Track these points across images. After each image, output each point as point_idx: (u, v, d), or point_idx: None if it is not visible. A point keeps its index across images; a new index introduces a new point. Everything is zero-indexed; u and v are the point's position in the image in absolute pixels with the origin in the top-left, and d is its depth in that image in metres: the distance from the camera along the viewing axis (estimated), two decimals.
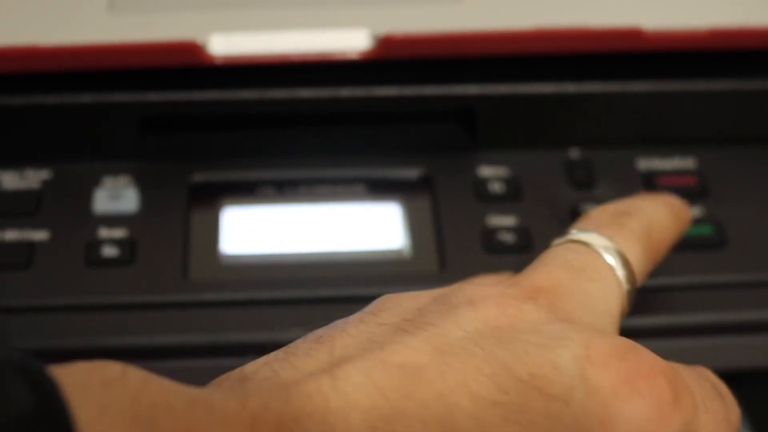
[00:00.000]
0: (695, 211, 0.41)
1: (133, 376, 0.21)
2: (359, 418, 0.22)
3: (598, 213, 0.33)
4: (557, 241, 0.31)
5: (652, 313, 0.38)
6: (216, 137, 0.42)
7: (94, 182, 0.40)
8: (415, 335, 0.25)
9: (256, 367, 0.25)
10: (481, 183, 0.41)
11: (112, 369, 0.21)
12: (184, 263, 0.38)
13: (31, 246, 0.38)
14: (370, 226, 0.40)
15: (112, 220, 0.39)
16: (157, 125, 0.41)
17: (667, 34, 0.40)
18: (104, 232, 0.39)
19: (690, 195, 0.41)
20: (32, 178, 0.40)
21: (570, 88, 0.41)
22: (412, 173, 0.42)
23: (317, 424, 0.22)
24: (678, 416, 0.25)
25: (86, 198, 0.40)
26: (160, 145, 0.42)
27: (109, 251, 0.38)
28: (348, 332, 0.26)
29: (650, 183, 0.41)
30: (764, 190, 0.41)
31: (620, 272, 0.29)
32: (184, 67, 0.39)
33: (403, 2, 0.42)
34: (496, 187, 0.41)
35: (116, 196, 0.40)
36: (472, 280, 0.33)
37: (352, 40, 0.40)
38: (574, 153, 0.42)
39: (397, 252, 0.39)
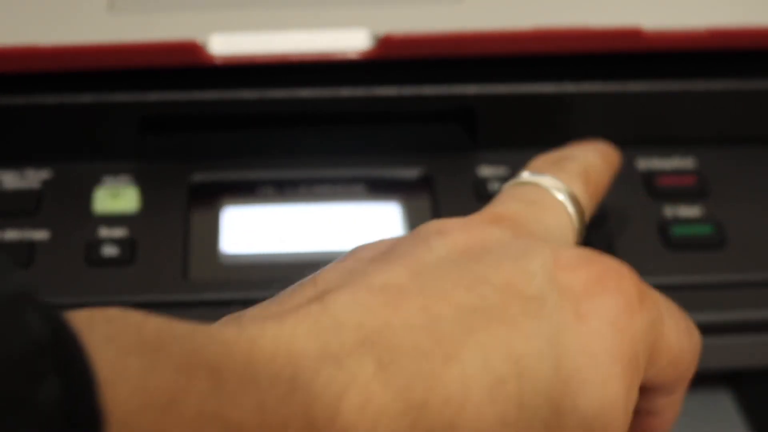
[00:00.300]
0: (695, 211, 0.41)
1: (133, 313, 0.22)
2: (351, 333, 0.24)
3: (538, 161, 0.34)
4: (508, 184, 0.33)
5: None
6: (216, 137, 0.42)
7: (94, 182, 0.41)
8: (392, 263, 0.26)
9: (248, 310, 0.26)
10: (481, 183, 0.41)
11: (113, 310, 0.22)
12: (184, 263, 0.38)
13: (31, 246, 0.38)
14: (370, 226, 0.40)
15: (112, 220, 0.39)
16: (157, 125, 0.41)
17: (666, 34, 0.40)
18: (104, 232, 0.39)
19: (689, 195, 0.41)
20: (32, 178, 0.40)
21: (570, 88, 0.41)
22: (412, 173, 0.42)
23: (312, 341, 0.23)
24: (645, 313, 0.27)
25: (86, 198, 0.40)
26: (160, 145, 0.42)
27: (110, 251, 0.38)
28: (329, 270, 0.27)
29: (650, 182, 0.41)
30: (764, 189, 0.41)
31: (570, 208, 0.31)
32: (184, 67, 0.39)
33: (403, 2, 0.42)
34: (496, 187, 0.41)
35: (116, 196, 0.40)
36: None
37: (352, 40, 0.40)
38: None
39: None
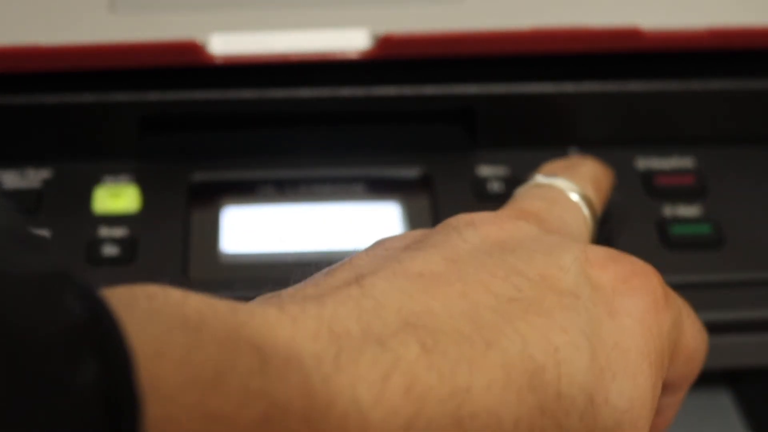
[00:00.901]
0: (694, 211, 0.41)
1: (173, 290, 0.22)
2: (392, 316, 0.23)
3: (550, 165, 0.35)
4: (524, 186, 0.34)
5: None
6: (216, 137, 0.42)
7: (95, 182, 0.41)
8: (426, 251, 0.26)
9: (283, 291, 0.26)
10: (481, 182, 0.41)
11: (152, 287, 0.21)
12: (184, 262, 0.38)
13: None
14: (369, 226, 0.40)
15: (113, 220, 0.39)
16: (157, 125, 0.42)
17: (665, 34, 0.40)
18: (105, 232, 0.39)
19: (688, 194, 0.41)
20: (33, 178, 0.40)
21: (569, 87, 0.41)
22: (411, 172, 0.42)
23: (354, 322, 0.23)
24: (669, 312, 0.27)
25: (87, 197, 0.40)
26: (160, 145, 0.42)
27: (110, 250, 0.38)
28: (361, 257, 0.27)
29: (649, 182, 0.41)
30: (762, 189, 0.42)
31: (584, 209, 0.32)
32: (184, 67, 0.40)
33: (403, 2, 0.42)
34: (495, 187, 0.41)
35: (116, 196, 0.40)
36: None
37: (352, 40, 0.40)
38: (573, 152, 0.42)
39: None
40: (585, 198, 0.32)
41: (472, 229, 0.28)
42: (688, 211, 0.41)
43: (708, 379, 0.45)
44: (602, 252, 0.28)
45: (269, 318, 0.22)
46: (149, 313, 0.20)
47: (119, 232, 0.39)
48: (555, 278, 0.26)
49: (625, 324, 0.26)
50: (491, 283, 0.25)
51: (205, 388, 0.19)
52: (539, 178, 0.33)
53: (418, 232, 0.29)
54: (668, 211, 0.40)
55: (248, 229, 0.40)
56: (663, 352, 0.27)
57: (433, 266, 0.26)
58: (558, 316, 0.25)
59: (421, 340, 0.23)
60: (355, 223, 0.40)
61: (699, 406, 0.45)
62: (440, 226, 0.29)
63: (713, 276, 0.39)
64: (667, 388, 0.30)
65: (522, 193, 0.33)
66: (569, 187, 0.33)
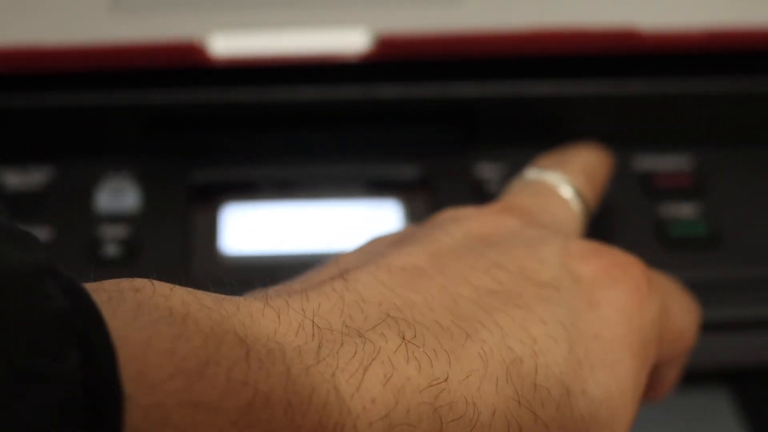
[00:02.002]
0: (691, 211, 0.41)
1: (159, 283, 0.22)
2: (374, 309, 0.24)
3: (543, 158, 0.36)
4: (516, 180, 0.34)
5: None
6: (216, 136, 0.43)
7: (96, 181, 0.41)
8: (410, 246, 0.27)
9: (271, 288, 0.26)
10: (479, 182, 0.41)
11: (139, 280, 0.22)
12: (185, 261, 0.39)
13: None
14: (369, 225, 0.40)
15: (114, 219, 0.40)
16: (158, 124, 0.42)
17: (663, 36, 0.40)
18: (106, 231, 0.39)
19: (686, 195, 0.41)
20: (35, 178, 0.41)
21: (567, 89, 0.42)
22: (411, 172, 0.42)
23: (336, 315, 0.24)
24: (653, 300, 0.27)
25: (88, 197, 0.40)
26: (161, 144, 0.42)
27: (111, 250, 0.38)
28: (349, 255, 0.28)
29: (646, 182, 0.42)
30: (759, 189, 0.42)
31: (575, 202, 0.33)
32: (184, 67, 0.40)
33: (403, 2, 0.42)
34: (494, 187, 0.41)
35: (118, 195, 0.40)
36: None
37: (351, 40, 0.40)
38: None
39: None
40: (576, 190, 0.33)
41: (456, 225, 0.28)
42: (686, 211, 0.41)
43: (705, 377, 0.45)
44: (584, 245, 0.28)
45: (254, 311, 0.23)
46: (136, 305, 0.20)
47: (120, 231, 0.39)
48: (534, 270, 0.26)
49: (605, 315, 0.26)
50: (471, 276, 0.26)
51: (191, 376, 0.20)
52: (531, 173, 0.34)
53: (405, 230, 0.30)
54: (666, 211, 0.41)
55: (248, 227, 0.40)
56: (647, 341, 0.27)
57: (415, 260, 0.26)
58: (537, 307, 0.25)
59: (401, 332, 0.23)
60: (355, 222, 0.41)
61: (696, 405, 0.45)
62: (426, 222, 0.30)
63: (711, 276, 0.39)
64: (663, 365, 0.30)
65: (513, 187, 0.34)
66: (560, 180, 0.33)
